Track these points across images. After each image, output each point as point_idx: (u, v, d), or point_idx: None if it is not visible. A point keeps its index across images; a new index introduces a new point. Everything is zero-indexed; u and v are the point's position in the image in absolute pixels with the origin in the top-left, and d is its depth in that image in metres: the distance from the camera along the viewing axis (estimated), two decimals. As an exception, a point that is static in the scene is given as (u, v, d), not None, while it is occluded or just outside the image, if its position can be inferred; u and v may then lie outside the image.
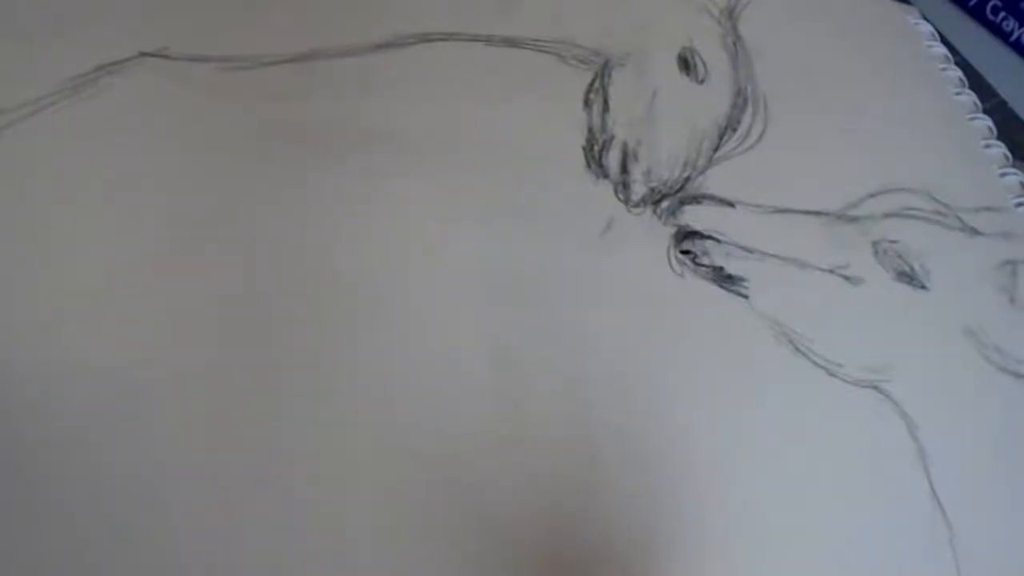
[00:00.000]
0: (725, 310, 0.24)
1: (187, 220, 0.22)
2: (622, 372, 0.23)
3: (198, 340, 0.21)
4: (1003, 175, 0.31)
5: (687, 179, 0.27)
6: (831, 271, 0.26)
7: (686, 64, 0.30)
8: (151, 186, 0.23)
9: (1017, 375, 0.25)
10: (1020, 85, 0.37)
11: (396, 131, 0.25)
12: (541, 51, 0.29)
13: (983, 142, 0.32)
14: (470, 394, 0.21)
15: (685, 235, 0.26)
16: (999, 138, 0.32)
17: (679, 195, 0.27)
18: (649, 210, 0.26)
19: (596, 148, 0.27)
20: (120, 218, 0.22)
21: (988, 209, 0.29)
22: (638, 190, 0.26)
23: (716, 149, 0.28)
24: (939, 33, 0.36)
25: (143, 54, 0.25)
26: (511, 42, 0.29)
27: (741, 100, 0.30)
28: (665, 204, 0.26)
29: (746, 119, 0.29)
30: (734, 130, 0.29)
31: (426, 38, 0.28)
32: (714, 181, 0.27)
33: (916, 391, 0.24)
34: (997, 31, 0.40)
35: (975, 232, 0.28)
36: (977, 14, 0.41)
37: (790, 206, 0.27)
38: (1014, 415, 0.25)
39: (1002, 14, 0.40)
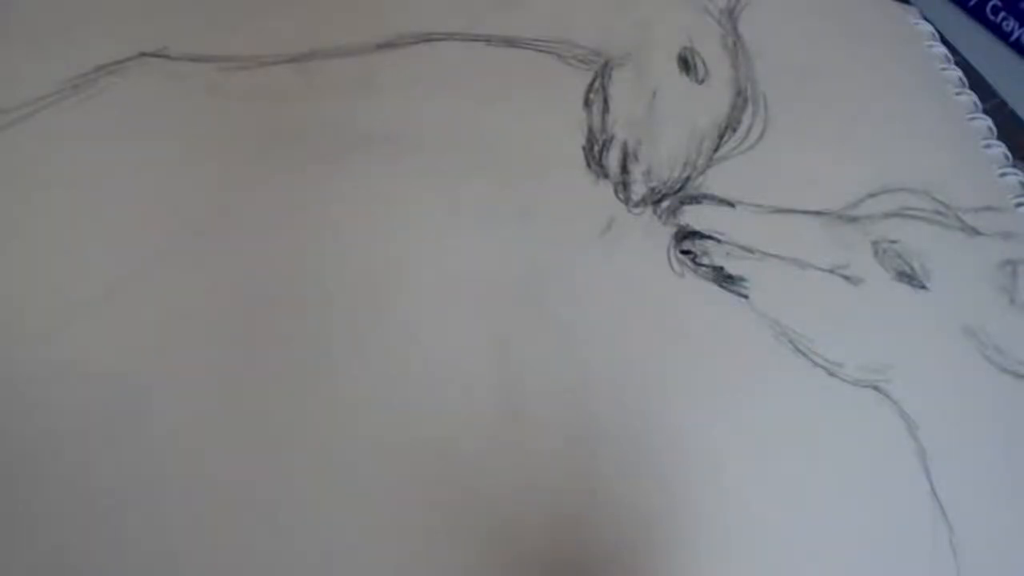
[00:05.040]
0: (725, 310, 0.24)
1: (187, 220, 0.22)
2: (622, 372, 0.22)
3: (198, 340, 0.21)
4: (1003, 175, 0.31)
5: (687, 179, 0.27)
6: (831, 271, 0.26)
7: (686, 64, 0.30)
8: (151, 186, 0.23)
9: (1017, 375, 0.25)
10: (1020, 85, 0.37)
11: (396, 131, 0.25)
12: (541, 51, 0.29)
13: (983, 142, 0.32)
14: (470, 394, 0.21)
15: (685, 235, 0.26)
16: (999, 138, 0.32)
17: (679, 195, 0.27)
18: (649, 210, 0.26)
19: (596, 148, 0.27)
20: (120, 218, 0.22)
21: (988, 209, 0.29)
22: (638, 190, 0.26)
23: (716, 149, 0.28)
24: (939, 33, 0.36)
25: (143, 54, 0.25)
26: (511, 42, 0.29)
27: (741, 100, 0.30)
28: (665, 204, 0.26)
29: (746, 119, 0.29)
30: (734, 130, 0.29)
31: (426, 38, 0.28)
32: (714, 181, 0.27)
33: (916, 391, 0.24)
34: (997, 31, 0.40)
35: (975, 232, 0.28)
36: (977, 14, 0.41)
37: (790, 206, 0.27)
38: (1014, 415, 0.25)
39: (1002, 14, 0.40)
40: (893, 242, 0.27)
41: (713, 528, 0.21)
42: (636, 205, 0.26)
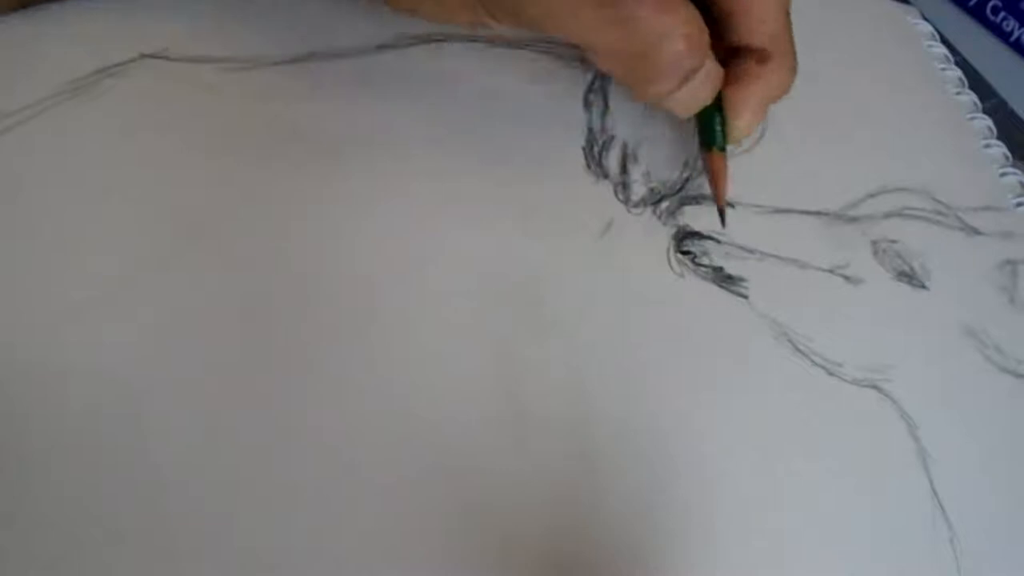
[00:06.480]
0: (725, 310, 0.24)
1: (187, 221, 0.22)
2: (622, 372, 0.23)
3: (197, 341, 0.21)
4: (1003, 175, 0.31)
5: (687, 179, 0.27)
6: (831, 271, 0.26)
7: (686, 64, 0.30)
8: (151, 187, 0.23)
9: (1017, 375, 0.25)
10: (1020, 85, 0.37)
11: (396, 131, 0.25)
12: (541, 51, 0.29)
13: (983, 142, 0.32)
14: (469, 394, 0.21)
15: (685, 235, 0.26)
16: (999, 138, 0.32)
17: (679, 195, 0.27)
18: (649, 210, 0.26)
19: (596, 148, 0.27)
20: (121, 219, 0.22)
21: (988, 209, 0.29)
22: (638, 190, 0.26)
23: (716, 149, 0.28)
24: (939, 33, 0.36)
25: (143, 56, 0.25)
26: (511, 42, 0.29)
27: (741, 100, 0.30)
28: (665, 204, 0.26)
29: (746, 119, 0.29)
30: (734, 130, 0.29)
31: (426, 38, 0.28)
32: (714, 181, 0.27)
33: (916, 391, 0.24)
34: (997, 31, 0.40)
35: (975, 232, 0.28)
36: (977, 14, 0.41)
37: (790, 206, 0.27)
38: (1014, 415, 0.25)
39: (1002, 14, 0.40)
40: (893, 242, 0.27)
41: (711, 527, 0.21)
42: (636, 206, 0.26)
